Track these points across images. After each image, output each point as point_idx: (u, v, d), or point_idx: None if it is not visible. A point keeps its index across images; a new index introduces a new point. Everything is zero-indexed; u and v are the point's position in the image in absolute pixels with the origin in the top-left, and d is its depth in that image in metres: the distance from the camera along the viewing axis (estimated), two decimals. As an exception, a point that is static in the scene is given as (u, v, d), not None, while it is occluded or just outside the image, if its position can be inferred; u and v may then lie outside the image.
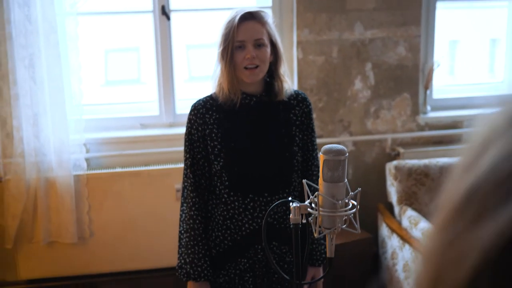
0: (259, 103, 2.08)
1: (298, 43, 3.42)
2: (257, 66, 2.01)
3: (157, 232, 3.35)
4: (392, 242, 3.18)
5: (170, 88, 3.45)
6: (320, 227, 1.44)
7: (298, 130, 2.13)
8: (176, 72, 3.49)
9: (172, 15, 3.40)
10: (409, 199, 3.25)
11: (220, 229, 2.07)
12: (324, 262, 2.15)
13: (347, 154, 1.47)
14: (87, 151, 3.33)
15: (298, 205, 1.51)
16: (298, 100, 2.15)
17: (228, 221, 2.05)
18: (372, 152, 3.64)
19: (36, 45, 3.07)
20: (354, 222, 1.46)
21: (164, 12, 3.35)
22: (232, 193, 2.02)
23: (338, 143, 3.48)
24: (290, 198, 1.71)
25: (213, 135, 2.03)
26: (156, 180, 3.33)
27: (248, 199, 2.02)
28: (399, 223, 3.19)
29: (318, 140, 3.46)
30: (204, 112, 2.06)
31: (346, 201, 1.46)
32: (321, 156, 1.46)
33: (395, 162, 3.34)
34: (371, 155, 3.64)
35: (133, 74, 3.53)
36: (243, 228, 2.05)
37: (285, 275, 1.57)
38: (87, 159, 3.32)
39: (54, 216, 3.24)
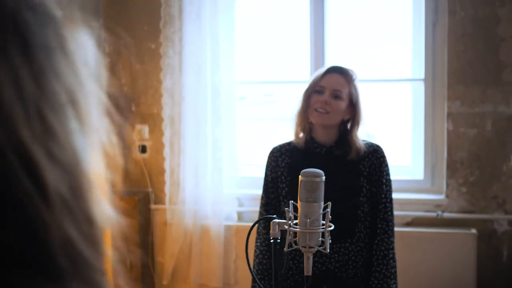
0: (329, 153, 2.20)
1: (449, 115, 3.40)
2: (327, 113, 2.15)
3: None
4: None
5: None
6: (296, 244, 1.53)
7: (366, 181, 2.19)
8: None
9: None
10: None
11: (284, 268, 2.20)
12: None
13: (323, 177, 1.54)
14: (240, 205, 3.67)
15: (278, 221, 1.61)
16: (369, 151, 2.22)
17: (291, 262, 2.17)
18: (531, 234, 3.36)
19: (203, 109, 3.55)
20: (326, 242, 1.53)
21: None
22: (295, 236, 2.15)
23: (491, 220, 3.32)
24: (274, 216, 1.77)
25: (283, 177, 2.20)
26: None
27: (310, 243, 2.12)
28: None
29: (469, 215, 3.36)
30: (278, 156, 2.25)
31: (323, 222, 1.53)
32: (299, 178, 1.55)
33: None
34: (530, 238, 3.36)
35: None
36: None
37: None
38: (239, 212, 3.65)
39: (205, 260, 3.60)
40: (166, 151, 3.66)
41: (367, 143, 2.26)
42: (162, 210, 3.76)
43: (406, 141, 3.73)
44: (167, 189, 3.67)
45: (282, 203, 2.19)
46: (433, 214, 3.46)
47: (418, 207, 3.50)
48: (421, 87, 3.54)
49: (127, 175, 3.82)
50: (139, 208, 3.64)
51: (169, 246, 3.66)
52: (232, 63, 3.68)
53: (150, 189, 3.80)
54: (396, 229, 3.38)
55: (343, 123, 2.24)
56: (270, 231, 1.61)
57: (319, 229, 1.53)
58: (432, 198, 3.49)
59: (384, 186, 2.23)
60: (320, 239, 1.55)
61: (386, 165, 2.25)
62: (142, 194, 3.72)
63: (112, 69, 3.79)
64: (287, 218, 1.56)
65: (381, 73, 3.80)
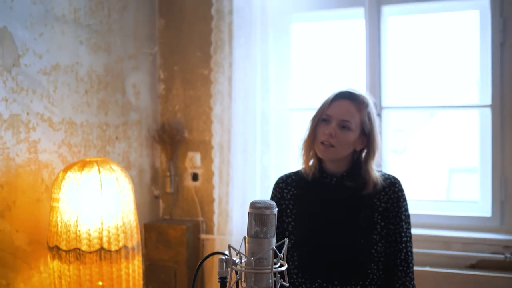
0: (340, 184, 1.98)
1: (519, 145, 3.04)
2: (332, 146, 1.94)
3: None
4: None
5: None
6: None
7: (381, 217, 1.94)
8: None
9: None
10: None
11: None
12: None
13: (275, 209, 1.34)
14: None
15: (225, 258, 1.41)
16: (386, 184, 1.97)
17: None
18: None
19: (252, 136, 3.42)
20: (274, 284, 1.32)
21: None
22: (300, 275, 1.94)
23: None
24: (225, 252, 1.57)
25: (288, 211, 2.01)
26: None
27: (316, 285, 1.90)
28: None
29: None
30: (283, 187, 2.06)
31: (276, 260, 1.33)
32: (249, 209, 1.36)
33: None
34: None
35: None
36: (310, 315, 1.93)
37: None
38: (288, 245, 3.46)
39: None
40: (215, 179, 3.56)
41: (383, 175, 2.02)
42: (211, 240, 3.66)
43: (474, 173, 3.38)
44: (215, 218, 3.56)
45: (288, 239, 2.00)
46: (501, 256, 3.08)
47: (485, 248, 3.14)
48: (488, 114, 3.20)
49: (178, 203, 3.77)
50: (187, 237, 3.55)
51: (216, 278, 3.53)
52: (285, 89, 3.52)
53: (201, 218, 3.71)
54: (458, 271, 3.07)
55: (356, 151, 2.02)
56: (218, 270, 1.44)
57: (266, 269, 1.33)
58: (500, 238, 3.12)
59: (403, 224, 1.97)
60: (271, 280, 1.34)
61: (405, 200, 1.99)
62: (191, 223, 3.63)
63: (166, 96, 3.76)
64: (229, 255, 1.37)
65: (446, 99, 3.48)
